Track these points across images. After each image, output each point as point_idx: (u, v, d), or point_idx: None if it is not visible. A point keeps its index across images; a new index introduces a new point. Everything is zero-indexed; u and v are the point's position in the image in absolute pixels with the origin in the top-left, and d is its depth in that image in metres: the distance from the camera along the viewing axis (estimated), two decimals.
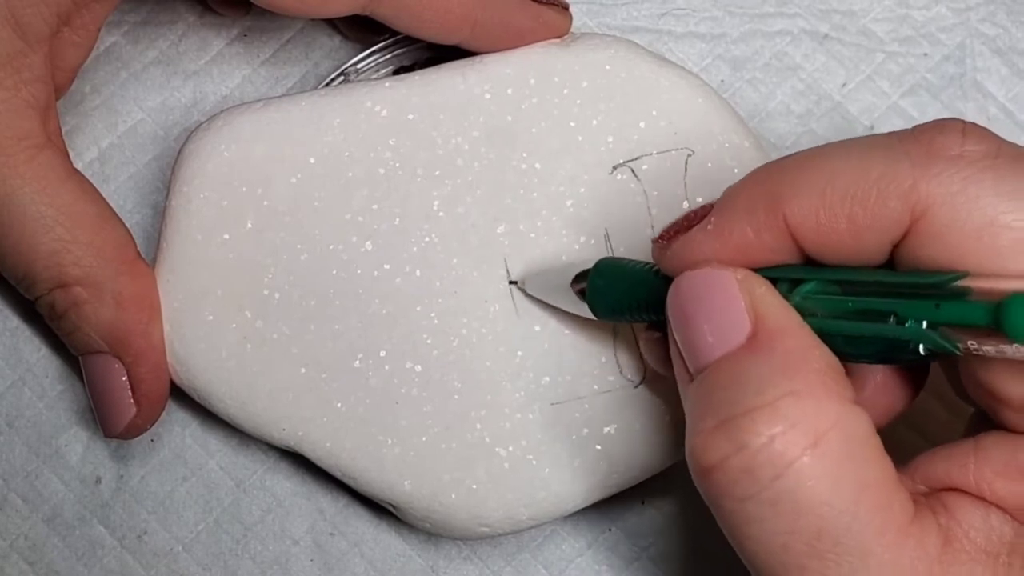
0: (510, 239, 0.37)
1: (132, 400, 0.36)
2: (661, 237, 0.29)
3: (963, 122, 0.26)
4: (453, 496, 0.36)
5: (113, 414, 0.36)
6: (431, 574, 0.39)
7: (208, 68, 0.42)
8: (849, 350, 0.26)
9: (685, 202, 0.37)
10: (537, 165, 0.37)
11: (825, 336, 0.26)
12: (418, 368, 0.36)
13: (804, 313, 0.26)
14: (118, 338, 0.35)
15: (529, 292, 0.36)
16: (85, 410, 0.40)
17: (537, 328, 0.36)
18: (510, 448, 0.36)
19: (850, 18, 0.42)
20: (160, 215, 0.38)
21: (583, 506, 0.36)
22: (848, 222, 0.25)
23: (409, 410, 0.36)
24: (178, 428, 0.40)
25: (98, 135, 0.41)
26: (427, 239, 0.36)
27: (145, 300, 0.36)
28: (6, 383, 0.40)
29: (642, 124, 0.37)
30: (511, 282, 0.36)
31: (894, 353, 0.26)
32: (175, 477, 0.40)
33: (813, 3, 0.42)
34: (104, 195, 0.36)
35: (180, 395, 0.37)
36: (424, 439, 0.36)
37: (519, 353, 0.36)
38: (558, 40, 0.38)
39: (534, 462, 0.36)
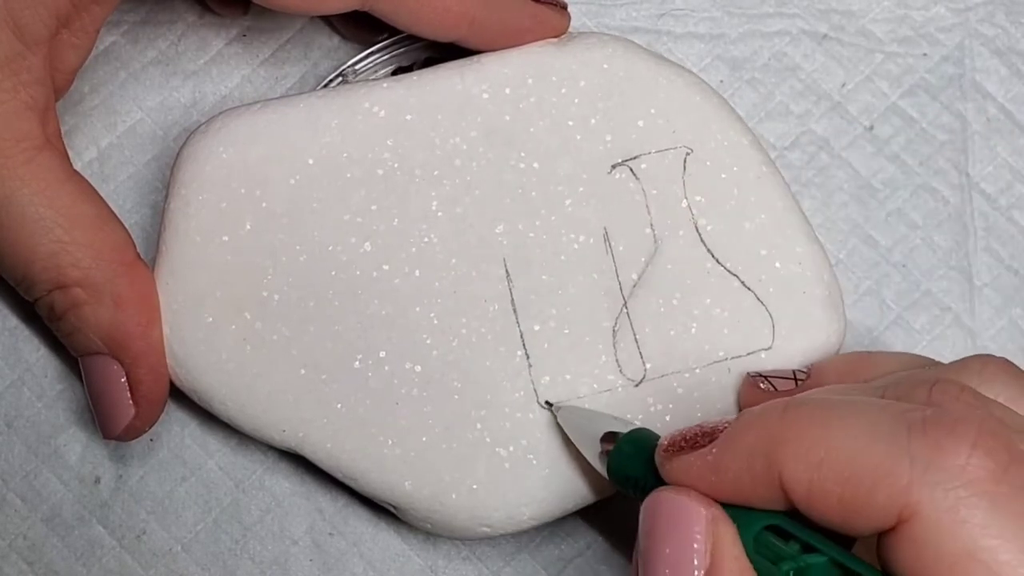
0: (509, 239, 0.37)
1: (131, 401, 0.36)
2: (666, 448, 0.28)
3: (977, 427, 0.25)
4: (454, 496, 0.36)
5: (112, 415, 0.36)
6: (430, 574, 0.39)
7: (207, 68, 0.42)
8: None
9: (684, 200, 0.37)
10: (535, 165, 0.37)
11: None
12: (418, 368, 0.36)
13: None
14: (117, 339, 0.35)
15: (559, 421, 0.35)
16: (84, 410, 0.40)
17: (537, 327, 0.36)
18: (510, 448, 0.36)
19: (849, 18, 0.42)
20: (159, 216, 0.38)
21: (583, 505, 0.36)
22: (838, 502, 0.25)
23: (409, 410, 0.36)
24: (177, 428, 0.40)
25: (97, 135, 0.41)
26: (426, 239, 0.36)
27: (144, 302, 0.36)
28: (5, 383, 0.40)
29: (640, 123, 0.37)
30: (547, 403, 0.36)
31: None
32: (174, 477, 0.40)
33: (812, 3, 0.42)
34: (103, 195, 0.36)
35: (180, 395, 0.37)
36: (424, 439, 0.36)
37: (519, 353, 0.36)
38: (556, 39, 0.38)
39: (534, 462, 0.36)
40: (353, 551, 0.40)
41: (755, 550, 0.26)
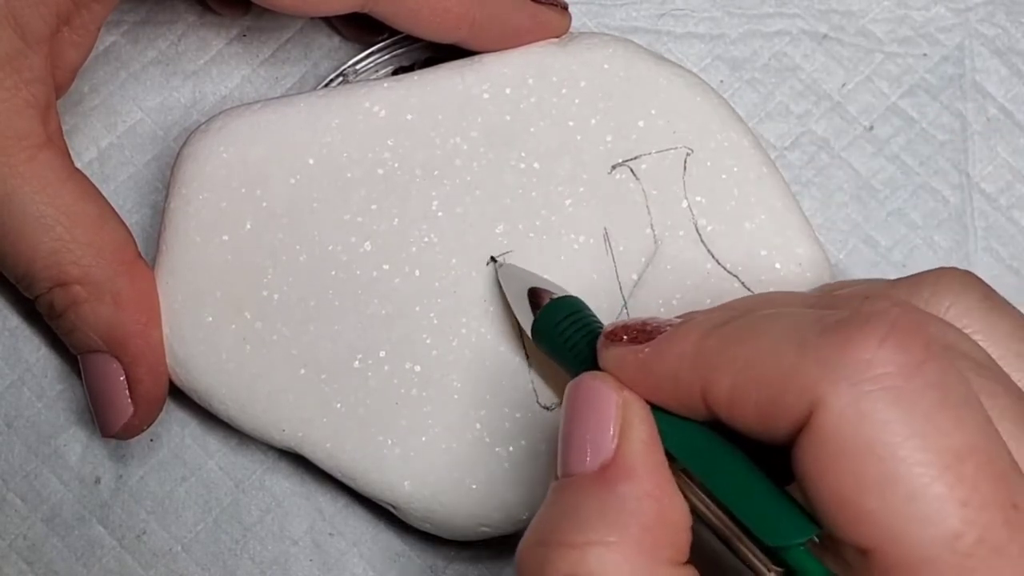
0: (509, 239, 0.37)
1: (129, 400, 0.36)
2: (608, 335, 0.29)
3: (891, 322, 0.24)
4: (453, 496, 0.36)
5: (110, 414, 0.36)
6: (430, 574, 0.39)
7: (207, 68, 0.42)
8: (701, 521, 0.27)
9: (684, 200, 0.37)
10: (536, 165, 0.37)
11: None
12: (417, 368, 0.36)
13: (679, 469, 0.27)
14: (116, 338, 0.35)
15: (499, 277, 0.36)
16: (84, 410, 0.40)
17: None
18: (510, 448, 0.36)
19: (849, 18, 0.42)
20: (159, 216, 0.38)
21: None
22: (755, 406, 0.25)
23: (409, 410, 0.36)
24: (177, 428, 0.40)
25: (97, 135, 0.41)
26: (426, 239, 0.36)
27: (144, 300, 0.36)
28: (5, 383, 0.40)
29: (641, 123, 0.37)
30: (492, 258, 0.36)
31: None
32: (174, 477, 0.40)
33: (812, 3, 0.42)
34: (104, 195, 0.36)
35: (180, 395, 0.38)
36: (424, 439, 0.36)
37: (519, 353, 0.36)
38: (556, 40, 0.38)
39: (534, 462, 0.36)
40: (353, 551, 0.40)
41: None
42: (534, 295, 0.34)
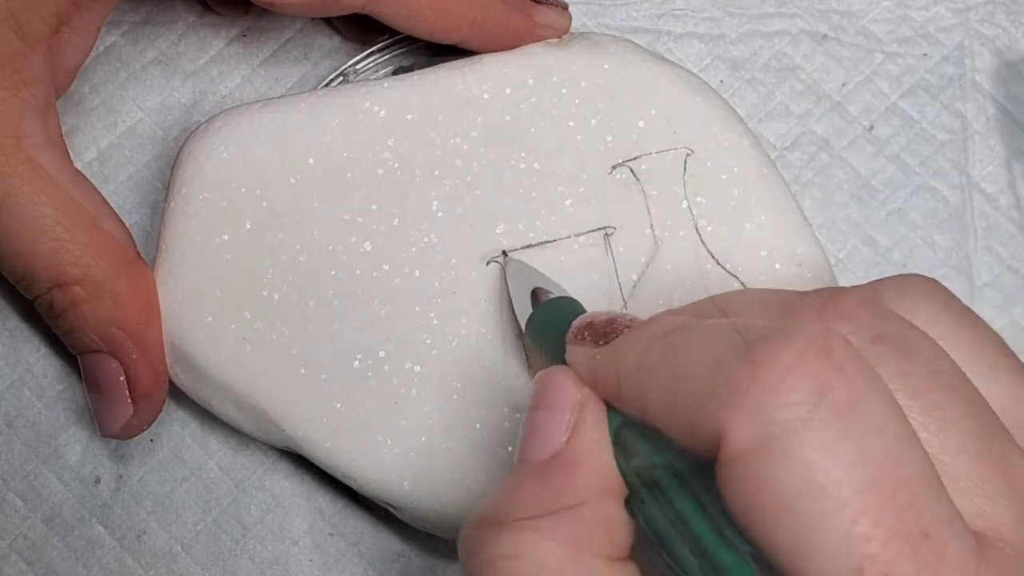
0: (509, 239, 0.37)
1: (129, 400, 0.36)
2: (573, 332, 0.29)
3: (803, 345, 0.23)
4: (453, 496, 0.36)
5: (110, 414, 0.36)
6: (430, 574, 0.39)
7: (207, 68, 0.42)
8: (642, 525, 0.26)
9: (684, 201, 0.37)
10: (536, 165, 0.37)
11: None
12: (417, 368, 0.36)
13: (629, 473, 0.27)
14: (116, 338, 0.35)
15: (506, 272, 0.36)
16: (84, 410, 0.40)
17: None
18: (510, 448, 0.36)
19: (849, 19, 0.42)
20: (159, 216, 0.38)
21: None
22: (679, 425, 0.24)
23: (408, 410, 0.36)
24: (177, 428, 0.40)
25: (97, 135, 0.41)
26: (426, 239, 0.36)
27: (144, 300, 0.36)
28: (5, 383, 0.40)
29: (641, 123, 0.37)
30: (504, 252, 0.36)
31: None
32: (174, 477, 0.40)
33: (812, 3, 0.42)
34: (103, 195, 0.36)
35: (180, 395, 0.38)
36: (423, 439, 0.36)
37: (519, 353, 0.36)
38: (556, 40, 0.38)
39: None
40: (353, 551, 0.40)
41: (614, 442, 0.27)
42: (536, 294, 0.34)
